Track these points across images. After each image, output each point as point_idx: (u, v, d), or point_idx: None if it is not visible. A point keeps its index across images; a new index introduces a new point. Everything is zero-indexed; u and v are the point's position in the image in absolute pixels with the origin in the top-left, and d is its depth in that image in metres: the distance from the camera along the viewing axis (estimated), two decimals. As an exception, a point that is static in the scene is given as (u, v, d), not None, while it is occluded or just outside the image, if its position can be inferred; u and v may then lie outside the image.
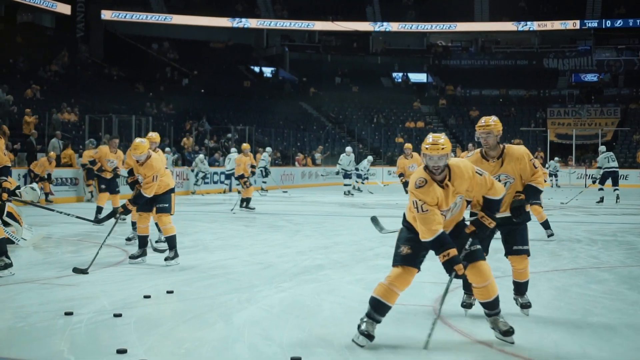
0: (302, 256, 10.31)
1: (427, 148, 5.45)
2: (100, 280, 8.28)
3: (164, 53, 49.50)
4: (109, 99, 34.46)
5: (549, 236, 12.36)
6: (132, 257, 9.64)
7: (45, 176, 20.44)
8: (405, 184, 20.35)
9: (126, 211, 9.77)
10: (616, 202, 21.38)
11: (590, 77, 49.28)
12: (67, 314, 6.43)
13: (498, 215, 5.99)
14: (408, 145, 20.07)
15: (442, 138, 5.51)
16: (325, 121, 45.15)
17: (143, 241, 9.83)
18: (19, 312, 6.66)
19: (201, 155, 27.85)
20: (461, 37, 54.42)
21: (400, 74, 52.14)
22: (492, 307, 5.78)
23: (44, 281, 8.24)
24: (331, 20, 51.29)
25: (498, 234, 6.62)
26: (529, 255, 6.54)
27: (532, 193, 6.35)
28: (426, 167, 5.54)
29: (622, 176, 31.60)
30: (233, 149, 29.17)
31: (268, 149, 29.84)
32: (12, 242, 10.57)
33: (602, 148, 22.97)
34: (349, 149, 27.00)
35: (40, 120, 25.88)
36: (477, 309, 6.64)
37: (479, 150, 6.47)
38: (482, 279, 5.71)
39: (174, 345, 5.61)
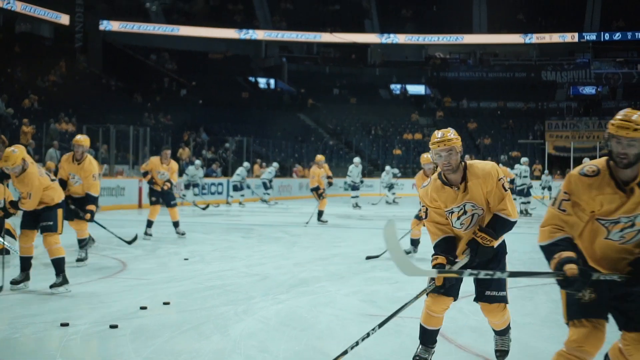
0: (299, 268, 10.29)
1: (433, 143, 5.05)
2: (96, 291, 8.27)
3: (163, 64, 49.54)
4: (107, 110, 34.48)
5: None
6: (13, 282, 8.37)
7: None
8: None
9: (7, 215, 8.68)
10: None
11: (589, 90, 49.33)
12: (63, 324, 6.43)
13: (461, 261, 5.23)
14: (426, 159, 19.53)
15: (451, 132, 5.12)
16: (323, 133, 45.16)
17: (25, 264, 8.54)
18: (15, 322, 6.63)
19: (198, 162, 27.55)
20: (460, 49, 54.49)
21: (399, 86, 52.20)
22: (503, 333, 5.59)
23: (40, 292, 8.22)
24: (330, 32, 51.35)
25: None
26: (506, 303, 5.51)
27: (499, 229, 5.36)
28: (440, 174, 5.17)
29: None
30: (246, 164, 29.06)
31: (275, 164, 29.70)
32: (8, 253, 10.52)
33: (586, 159, 22.92)
34: (357, 159, 26.30)
35: (37, 130, 25.88)
36: (477, 322, 6.63)
37: (435, 175, 5.25)
38: (496, 318, 5.49)
39: (170, 357, 5.58)
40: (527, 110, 47.89)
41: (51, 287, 8.20)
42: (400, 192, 34.12)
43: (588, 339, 4.05)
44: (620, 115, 4.03)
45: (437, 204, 5.14)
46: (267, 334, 6.32)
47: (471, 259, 5.18)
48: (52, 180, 8.47)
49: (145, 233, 13.79)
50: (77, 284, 8.66)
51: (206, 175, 30.54)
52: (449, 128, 5.22)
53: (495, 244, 5.33)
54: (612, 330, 4.06)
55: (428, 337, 5.39)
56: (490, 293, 5.39)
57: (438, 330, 5.41)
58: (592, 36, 49.82)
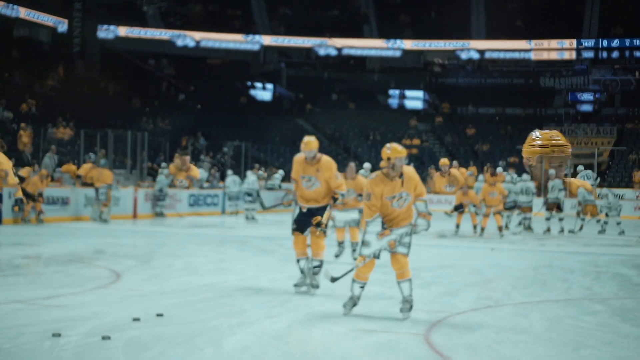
0: (294, 281, 10.24)
1: (401, 152, 7.56)
2: (89, 301, 8.22)
3: (161, 69, 49.56)
4: (105, 114, 34.42)
5: None
6: None
7: (37, 195, 20.24)
8: (459, 207, 20.32)
9: None
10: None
11: (587, 97, 49.33)
12: (54, 335, 6.38)
13: (401, 228, 7.68)
14: (444, 161, 19.25)
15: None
16: (321, 138, 45.09)
17: None
18: (6, 332, 6.57)
19: (165, 170, 26.88)
20: (458, 55, 54.48)
21: (397, 92, 52.18)
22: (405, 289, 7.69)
23: (31, 302, 8.16)
24: (328, 37, 51.40)
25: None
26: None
27: (424, 206, 7.79)
28: (382, 170, 7.63)
29: (618, 195, 31.61)
30: (229, 171, 28.75)
31: (281, 171, 29.58)
32: None
33: (580, 167, 22.88)
34: (367, 165, 24.91)
35: (35, 135, 25.86)
36: (472, 339, 6.61)
37: (379, 171, 7.67)
38: (399, 266, 7.68)
39: (163, 370, 5.55)
40: (525, 117, 47.86)
41: None
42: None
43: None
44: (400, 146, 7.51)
45: (381, 191, 7.57)
46: (260, 347, 6.28)
47: (414, 229, 7.77)
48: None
49: None
50: (69, 294, 8.64)
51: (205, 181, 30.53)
52: (394, 143, 7.91)
53: (431, 218, 7.86)
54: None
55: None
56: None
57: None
58: (590, 43, 49.84)
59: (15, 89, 33.12)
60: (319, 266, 9.16)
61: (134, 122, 34.82)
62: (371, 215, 7.62)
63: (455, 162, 24.76)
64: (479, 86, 51.96)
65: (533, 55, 50.70)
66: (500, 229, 19.81)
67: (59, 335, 6.39)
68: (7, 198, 18.53)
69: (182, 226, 21.68)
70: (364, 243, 7.67)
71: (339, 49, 52.47)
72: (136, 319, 7.16)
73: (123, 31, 47.37)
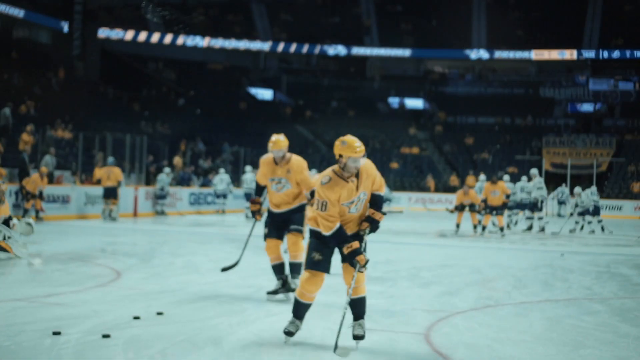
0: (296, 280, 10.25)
1: (355, 151, 6.19)
2: (90, 300, 8.21)
3: (161, 73, 49.57)
4: (104, 117, 34.41)
5: None
6: None
7: (37, 193, 20.29)
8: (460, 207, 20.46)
9: None
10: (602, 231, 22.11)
11: (587, 107, 49.39)
12: (55, 333, 6.37)
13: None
14: (470, 182, 19.69)
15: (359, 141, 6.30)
16: (320, 145, 45.13)
17: None
18: (6, 330, 6.57)
19: (167, 169, 27.28)
20: (458, 64, 54.57)
21: (397, 100, 52.22)
22: (360, 306, 6.49)
23: (32, 299, 8.15)
24: (329, 44, 51.42)
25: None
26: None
27: (379, 201, 6.48)
28: (334, 169, 6.35)
29: (616, 207, 31.72)
30: (221, 170, 29.20)
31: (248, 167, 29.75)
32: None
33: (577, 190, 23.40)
34: None
35: (33, 137, 25.87)
36: (471, 338, 6.60)
37: (330, 171, 6.34)
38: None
39: (162, 368, 5.55)
40: (524, 127, 47.93)
41: None
42: (397, 206, 34.15)
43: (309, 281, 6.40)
44: (357, 142, 6.22)
45: (337, 196, 6.23)
46: (260, 346, 6.29)
47: (368, 233, 6.49)
48: None
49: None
50: (70, 292, 8.64)
51: (203, 184, 30.62)
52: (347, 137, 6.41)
53: (382, 218, 6.54)
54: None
55: (299, 312, 6.57)
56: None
57: (309, 305, 6.58)
58: (590, 53, 49.90)
59: (14, 91, 33.08)
60: (299, 267, 8.64)
61: (133, 126, 34.81)
62: (332, 227, 6.22)
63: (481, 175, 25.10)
64: (479, 95, 52.01)
65: (534, 56, 50.69)
66: (502, 228, 20.01)
67: (59, 333, 6.38)
68: (7, 195, 18.52)
69: (183, 225, 21.70)
70: (314, 256, 6.39)
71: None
72: (136, 318, 7.16)
73: (123, 34, 47.31)
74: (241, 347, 6.20)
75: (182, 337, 6.52)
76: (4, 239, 11.40)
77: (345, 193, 6.22)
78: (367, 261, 6.22)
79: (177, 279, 10.08)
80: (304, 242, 8.59)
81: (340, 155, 6.19)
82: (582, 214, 22.80)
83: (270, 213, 8.80)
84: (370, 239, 6.48)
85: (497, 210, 19.99)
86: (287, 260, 8.83)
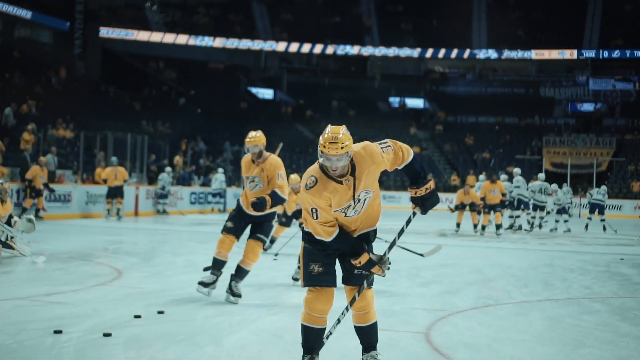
0: (292, 278, 10.26)
1: (324, 146, 4.81)
2: (91, 299, 8.22)
3: (162, 72, 49.56)
4: (105, 116, 34.45)
5: None
6: None
7: (42, 187, 20.30)
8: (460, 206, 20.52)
9: None
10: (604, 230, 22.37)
11: (587, 107, 49.40)
12: (56, 332, 6.38)
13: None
14: (470, 182, 19.89)
15: (342, 132, 4.84)
16: (321, 144, 45.07)
17: None
18: (8, 329, 6.58)
19: (168, 168, 27.40)
20: (459, 64, 54.55)
21: (397, 99, 52.22)
22: (370, 336, 5.42)
23: (33, 298, 8.16)
24: (330, 44, 51.39)
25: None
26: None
27: (414, 171, 5.28)
28: (321, 165, 4.99)
29: (616, 206, 31.76)
30: (220, 169, 29.30)
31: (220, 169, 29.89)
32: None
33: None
34: None
35: (34, 136, 25.89)
36: (471, 337, 6.61)
37: (316, 170, 5.04)
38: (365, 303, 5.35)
39: (163, 366, 5.56)
40: (525, 126, 47.95)
41: None
42: (397, 205, 34.15)
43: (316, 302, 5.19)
44: (327, 133, 4.89)
45: (328, 203, 4.97)
46: (261, 345, 6.28)
47: (422, 212, 5.31)
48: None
49: None
50: (71, 291, 8.65)
51: (203, 184, 30.67)
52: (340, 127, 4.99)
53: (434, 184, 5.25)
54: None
55: (312, 340, 5.29)
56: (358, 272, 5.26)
57: (323, 330, 5.30)
58: (591, 53, 49.90)
59: (16, 90, 33.08)
60: (246, 274, 8.42)
61: (134, 125, 34.82)
62: (333, 232, 5.02)
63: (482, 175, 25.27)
64: (479, 95, 52.02)
65: (534, 55, 50.66)
66: (498, 227, 20.14)
67: (60, 332, 6.39)
68: (10, 195, 18.54)
69: (184, 224, 21.71)
70: (312, 268, 5.21)
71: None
72: (137, 316, 7.17)
73: (124, 34, 47.31)
74: (242, 347, 6.20)
75: (183, 336, 6.52)
76: (7, 239, 11.43)
77: (337, 198, 4.95)
78: (388, 265, 5.16)
79: (178, 278, 10.09)
80: (261, 252, 8.59)
81: (322, 153, 4.88)
82: (559, 212, 23.13)
83: (239, 210, 8.52)
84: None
85: (495, 208, 20.12)
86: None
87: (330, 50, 51.63)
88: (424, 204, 5.18)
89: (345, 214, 5.04)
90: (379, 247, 5.30)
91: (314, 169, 5.02)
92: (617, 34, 49.57)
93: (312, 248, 5.15)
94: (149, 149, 29.76)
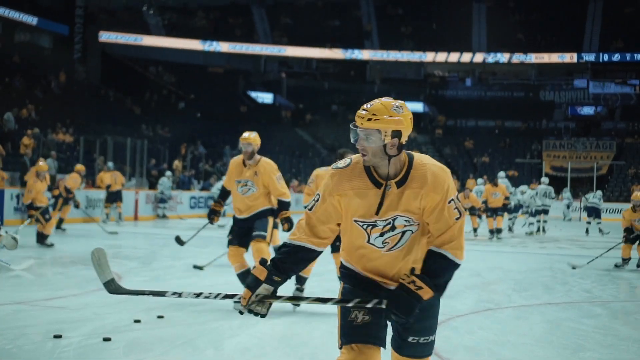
0: (294, 283, 10.24)
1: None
2: (91, 303, 8.21)
3: (161, 76, 49.59)
4: (105, 121, 34.48)
5: None
6: None
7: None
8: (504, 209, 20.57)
9: None
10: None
11: (587, 110, 49.41)
12: (55, 336, 6.37)
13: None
14: (470, 185, 20.11)
15: (382, 103, 3.59)
16: (320, 148, 45.17)
17: None
18: (7, 333, 6.58)
19: (168, 172, 27.39)
20: (458, 67, 54.56)
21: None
22: None
23: (33, 302, 8.17)
24: (329, 48, 51.38)
25: None
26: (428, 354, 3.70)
27: (442, 273, 3.46)
28: None
29: (617, 210, 31.79)
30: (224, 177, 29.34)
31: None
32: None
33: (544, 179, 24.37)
34: None
35: (34, 140, 25.88)
36: (471, 341, 6.61)
37: (356, 157, 3.58)
38: None
39: (163, 371, 5.56)
40: (524, 130, 47.97)
41: None
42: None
43: None
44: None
45: (340, 203, 3.53)
46: (261, 349, 6.29)
47: (386, 313, 3.43)
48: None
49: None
50: (70, 296, 8.64)
51: (203, 188, 30.66)
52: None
53: (427, 297, 3.37)
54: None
55: None
56: (413, 338, 3.59)
57: None
58: (591, 56, 49.87)
59: (15, 94, 33.09)
60: None
61: (134, 129, 34.82)
62: (309, 243, 3.58)
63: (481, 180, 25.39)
64: (479, 99, 52.05)
65: (534, 59, 50.64)
66: (499, 230, 20.16)
67: (60, 336, 6.38)
68: (9, 199, 18.59)
69: (183, 228, 21.67)
70: (355, 316, 3.48)
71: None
72: (137, 321, 7.16)
73: (124, 38, 47.32)
74: (242, 350, 6.19)
75: (183, 340, 6.52)
76: None
77: (364, 204, 3.47)
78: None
79: (177, 282, 10.08)
80: (270, 248, 8.39)
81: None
82: (532, 214, 23.26)
83: (234, 219, 8.38)
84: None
85: (498, 212, 20.09)
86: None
87: (330, 54, 51.55)
88: (397, 300, 3.36)
89: (369, 237, 3.51)
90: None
91: (358, 155, 3.53)
92: (617, 37, 49.55)
93: (353, 288, 3.63)
94: (148, 153, 29.76)
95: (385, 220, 3.43)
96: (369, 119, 3.46)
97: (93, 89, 41.67)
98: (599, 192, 24.09)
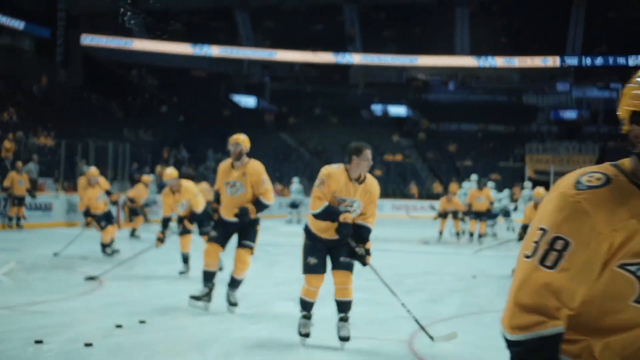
0: (279, 288, 10.23)
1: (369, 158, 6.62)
2: (73, 308, 8.18)
3: (144, 80, 49.46)
4: (87, 124, 34.33)
5: None
6: None
7: (26, 192, 20.23)
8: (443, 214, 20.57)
9: None
10: None
11: (570, 114, 49.63)
12: (37, 342, 6.32)
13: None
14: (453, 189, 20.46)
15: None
16: (304, 152, 45.16)
17: None
18: (-12, 339, 6.52)
19: (152, 176, 27.30)
20: (441, 71, 54.68)
21: (380, 107, 52.32)
22: (346, 309, 6.68)
23: (14, 308, 8.11)
24: (312, 51, 51.38)
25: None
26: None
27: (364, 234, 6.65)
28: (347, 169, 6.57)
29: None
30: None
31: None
32: None
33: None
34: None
35: (16, 144, 25.75)
36: (455, 345, 6.61)
37: (342, 168, 6.74)
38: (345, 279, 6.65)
39: (145, 377, 5.52)
40: (508, 134, 48.10)
41: None
42: (380, 213, 34.10)
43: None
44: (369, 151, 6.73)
45: (333, 187, 6.47)
46: (244, 355, 6.27)
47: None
48: None
49: None
50: (53, 301, 8.59)
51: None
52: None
53: None
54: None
55: (306, 309, 6.81)
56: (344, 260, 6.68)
57: (314, 303, 6.83)
58: (574, 60, 50.07)
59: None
60: (239, 283, 8.33)
61: (116, 133, 34.70)
62: (319, 207, 6.62)
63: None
64: (462, 102, 52.18)
65: (517, 63, 50.81)
66: (481, 236, 20.21)
67: (41, 342, 6.34)
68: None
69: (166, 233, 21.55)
70: (309, 260, 6.90)
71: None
72: (119, 326, 7.12)
73: (106, 41, 47.14)
74: (224, 355, 6.18)
75: (165, 345, 6.50)
76: None
77: (343, 189, 6.61)
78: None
79: (159, 287, 10.03)
80: (251, 259, 8.38)
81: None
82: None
83: (220, 221, 8.31)
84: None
85: (482, 216, 20.13)
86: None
87: (313, 57, 51.55)
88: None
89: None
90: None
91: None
92: (600, 41, 49.78)
93: (311, 244, 6.66)
94: (131, 157, 29.64)
95: (353, 200, 6.69)
96: None
97: (75, 92, 41.52)
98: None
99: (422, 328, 6.48)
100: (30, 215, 21.03)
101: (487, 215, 20.48)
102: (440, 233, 20.58)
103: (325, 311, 8.42)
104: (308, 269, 6.73)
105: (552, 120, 49.35)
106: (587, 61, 49.23)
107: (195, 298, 8.31)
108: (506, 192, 24.80)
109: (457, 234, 20.51)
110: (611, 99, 49.23)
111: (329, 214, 6.40)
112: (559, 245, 2.14)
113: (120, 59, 48.41)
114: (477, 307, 9.09)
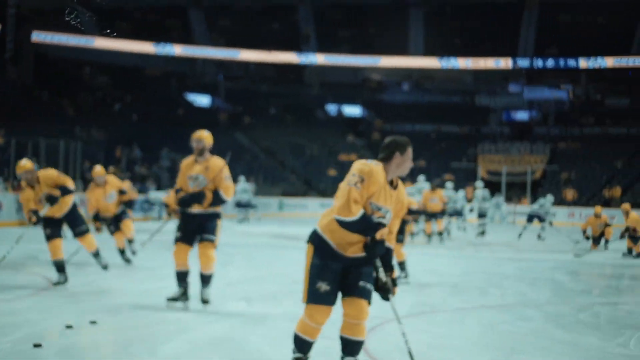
0: (232, 288, 10.18)
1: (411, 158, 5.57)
2: (21, 308, 8.06)
3: (96, 77, 48.94)
4: (37, 122, 33.87)
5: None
6: None
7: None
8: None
9: None
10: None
11: (521, 116, 50.16)
12: (-17, 343, 6.22)
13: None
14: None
15: None
16: (258, 151, 45.05)
17: None
18: None
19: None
20: (395, 72, 54.87)
21: (335, 107, 52.42)
22: (355, 352, 5.33)
23: (-39, 308, 7.98)
24: (267, 50, 51.25)
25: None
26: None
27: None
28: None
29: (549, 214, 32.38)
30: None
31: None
32: None
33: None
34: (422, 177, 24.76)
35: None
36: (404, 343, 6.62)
37: (380, 166, 5.50)
38: (359, 312, 5.20)
39: (95, 378, 5.46)
40: (461, 134, 48.46)
41: None
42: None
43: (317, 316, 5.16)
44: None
45: (372, 190, 5.20)
46: (196, 355, 6.22)
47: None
48: None
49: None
50: (1, 301, 8.46)
51: (140, 191, 30.29)
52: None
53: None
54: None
55: (303, 349, 5.36)
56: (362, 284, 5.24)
57: (313, 343, 5.37)
58: (525, 62, 50.56)
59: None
60: (210, 278, 8.42)
61: (68, 132, 34.28)
62: (358, 212, 5.07)
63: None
64: (416, 103, 52.44)
65: (470, 64, 51.17)
66: (440, 233, 20.43)
67: (-12, 342, 6.23)
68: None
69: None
70: (319, 286, 5.21)
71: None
72: (69, 327, 7.03)
73: (58, 38, 46.56)
74: (176, 355, 6.13)
75: (116, 346, 6.44)
76: None
77: (382, 195, 5.26)
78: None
79: (111, 287, 9.92)
80: (215, 253, 8.46)
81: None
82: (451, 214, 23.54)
83: (183, 216, 8.38)
84: (302, 246, 6.31)
85: (436, 216, 20.29)
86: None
87: (268, 57, 51.44)
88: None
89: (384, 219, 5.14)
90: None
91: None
92: (551, 43, 50.36)
93: (322, 264, 5.17)
94: (83, 156, 29.33)
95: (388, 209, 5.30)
96: None
97: (25, 89, 40.97)
98: (550, 198, 23.97)
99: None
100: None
101: (441, 215, 20.67)
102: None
103: (279, 305, 8.40)
104: (315, 298, 5.15)
105: (504, 121, 49.87)
106: (539, 63, 49.72)
107: (173, 300, 8.41)
108: (461, 192, 24.95)
109: (411, 234, 20.60)
110: (562, 101, 49.85)
111: (366, 225, 5.03)
112: None
113: (72, 56, 47.81)
114: (429, 307, 9.13)
